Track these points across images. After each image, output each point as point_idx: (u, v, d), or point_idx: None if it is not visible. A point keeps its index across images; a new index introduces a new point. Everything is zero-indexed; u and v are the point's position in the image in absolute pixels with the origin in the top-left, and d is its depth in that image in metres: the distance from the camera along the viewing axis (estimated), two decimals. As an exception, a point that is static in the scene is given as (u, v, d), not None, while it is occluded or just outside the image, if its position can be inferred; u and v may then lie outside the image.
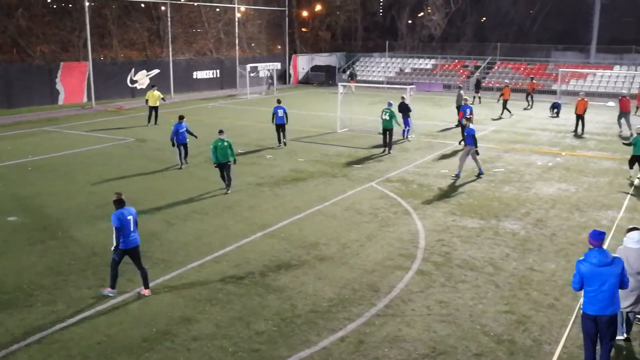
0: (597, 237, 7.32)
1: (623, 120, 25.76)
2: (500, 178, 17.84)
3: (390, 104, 21.88)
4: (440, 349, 8.26)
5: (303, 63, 50.66)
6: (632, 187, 16.77)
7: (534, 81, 35.83)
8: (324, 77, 49.12)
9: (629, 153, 21.67)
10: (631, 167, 17.72)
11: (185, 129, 19.04)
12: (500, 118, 30.43)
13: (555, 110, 31.28)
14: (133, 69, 37.54)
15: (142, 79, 37.98)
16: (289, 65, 49.19)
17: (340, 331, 8.70)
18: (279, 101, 22.81)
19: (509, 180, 17.53)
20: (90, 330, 8.64)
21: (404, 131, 23.75)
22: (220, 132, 16.07)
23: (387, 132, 21.41)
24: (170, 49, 39.21)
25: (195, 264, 11.11)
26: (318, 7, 55.26)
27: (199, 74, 42.02)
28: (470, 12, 58.15)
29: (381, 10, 63.19)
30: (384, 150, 21.56)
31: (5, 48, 37.66)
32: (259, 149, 21.99)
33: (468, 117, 19.31)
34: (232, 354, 8.10)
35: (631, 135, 25.01)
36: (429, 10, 55.96)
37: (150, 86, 29.67)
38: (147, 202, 15.01)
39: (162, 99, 27.79)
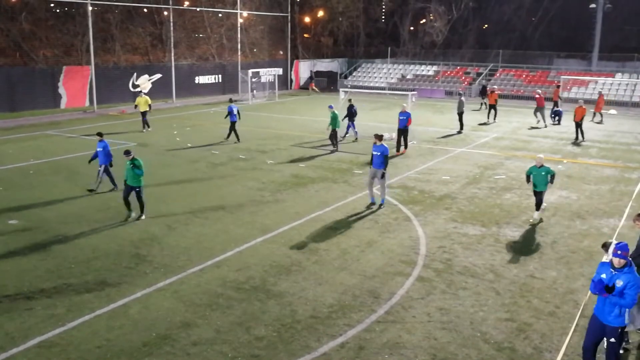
0: (627, 248, 7.20)
1: (539, 114, 30.69)
2: (502, 185, 17.83)
3: (331, 107, 23.30)
4: (441, 356, 8.24)
5: (305, 69, 50.77)
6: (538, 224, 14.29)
7: (559, 88, 35.56)
8: (325, 83, 49.20)
9: (631, 160, 21.75)
10: (537, 207, 14.37)
11: (102, 148, 16.17)
12: (494, 122, 30.97)
13: (557, 117, 31.30)
14: (135, 74, 37.63)
15: (144, 83, 38.05)
16: (291, 70, 49.29)
17: (340, 337, 8.68)
18: (231, 100, 25.25)
19: (510, 187, 17.52)
20: (90, 334, 8.63)
21: (354, 132, 25.25)
22: (126, 153, 13.82)
23: (336, 132, 22.92)
24: (173, 54, 39.30)
25: (195, 268, 11.10)
26: (320, 13, 55.40)
27: (201, 79, 42.11)
28: (473, 19, 58.29)
29: (383, 17, 63.36)
30: (333, 151, 22.77)
31: (9, 51, 37.77)
32: (260, 154, 21.99)
33: (381, 134, 15.65)
34: (231, 359, 8.08)
35: (545, 127, 29.59)
36: (431, 17, 56.10)
37: (139, 91, 28.98)
38: (148, 205, 14.99)
39: (149, 105, 26.96)
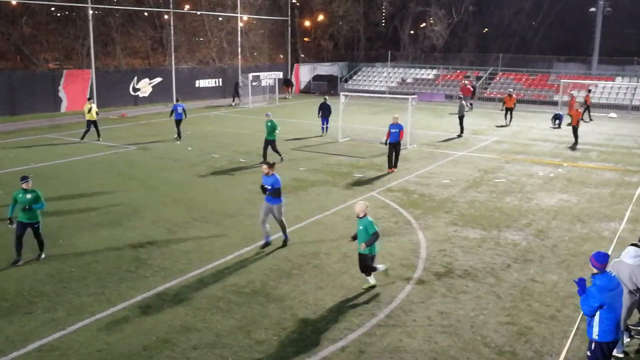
0: (600, 259, 6.99)
1: (465, 102, 32.16)
2: (502, 189, 17.82)
3: (268, 115, 21.00)
4: (441, 359, 8.23)
5: (305, 72, 50.82)
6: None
7: (589, 94, 35.37)
8: (326, 87, 49.24)
9: (631, 163, 21.74)
10: (366, 274, 10.49)
11: None
12: (509, 125, 31.37)
13: (557, 121, 31.35)
14: (136, 77, 37.66)
15: (145, 87, 38.09)
16: (291, 74, 49.35)
17: (340, 341, 8.67)
18: (177, 99, 26.61)
19: (511, 191, 17.52)
20: (90, 338, 8.62)
21: (322, 128, 27.47)
22: (23, 179, 11.61)
23: (270, 143, 20.76)
24: (173, 57, 39.36)
25: (195, 272, 11.09)
26: (320, 17, 55.52)
27: (202, 83, 42.16)
28: (473, 23, 58.43)
29: (384, 21, 63.49)
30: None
31: (9, 55, 37.84)
32: (260, 157, 21.97)
33: (273, 162, 12.42)
34: (232, 363, 8.07)
35: (470, 109, 33.92)
36: (432, 21, 56.25)
37: (87, 98, 26.67)
38: (148, 209, 15.02)
39: (96, 113, 25.22)
